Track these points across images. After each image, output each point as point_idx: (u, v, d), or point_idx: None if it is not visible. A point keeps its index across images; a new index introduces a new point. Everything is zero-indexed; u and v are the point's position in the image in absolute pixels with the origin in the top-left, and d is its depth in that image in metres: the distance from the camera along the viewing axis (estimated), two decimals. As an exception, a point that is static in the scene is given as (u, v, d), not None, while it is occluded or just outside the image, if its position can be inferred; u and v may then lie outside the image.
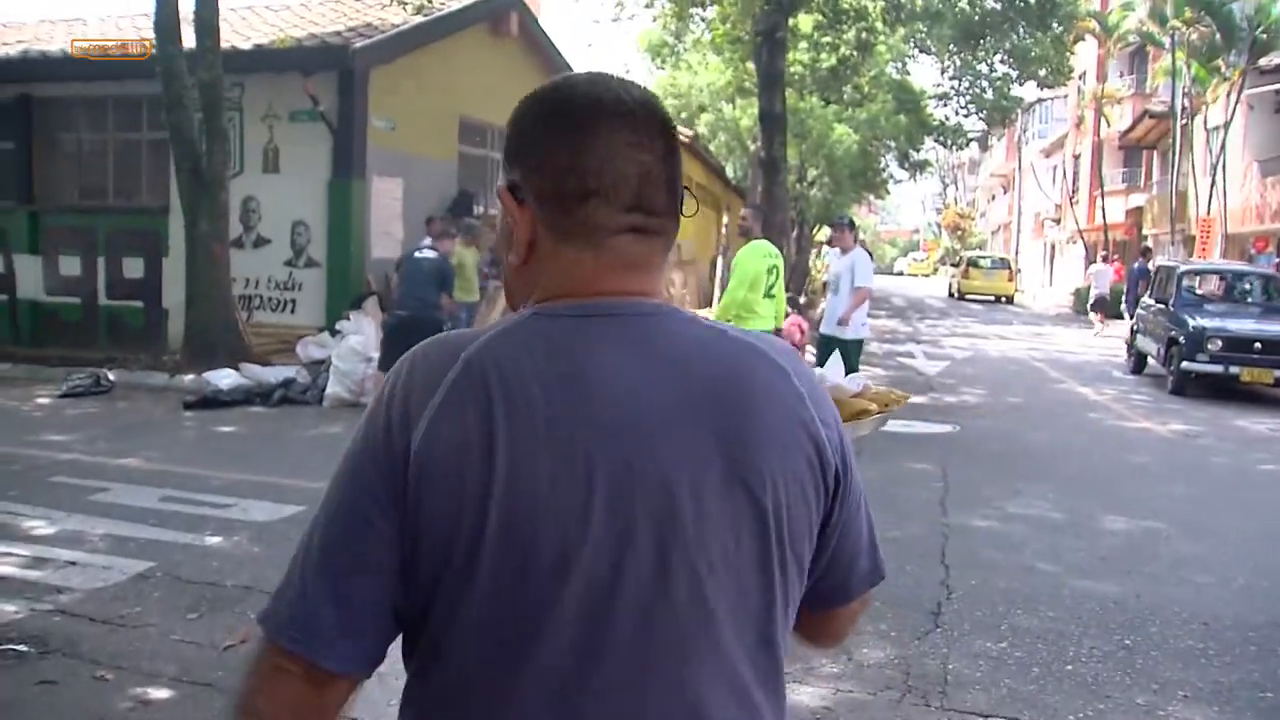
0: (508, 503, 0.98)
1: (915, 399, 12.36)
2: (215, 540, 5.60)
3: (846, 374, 3.52)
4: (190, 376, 11.01)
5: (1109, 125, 33.78)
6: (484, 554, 0.98)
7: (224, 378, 10.53)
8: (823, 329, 9.73)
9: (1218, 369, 12.56)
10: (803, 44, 18.60)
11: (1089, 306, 25.28)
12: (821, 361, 6.64)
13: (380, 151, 13.59)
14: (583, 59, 45.07)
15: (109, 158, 14.97)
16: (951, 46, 24.94)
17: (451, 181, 15.70)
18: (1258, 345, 12.49)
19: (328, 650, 1.01)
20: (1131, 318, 16.75)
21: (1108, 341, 21.85)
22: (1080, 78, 35.98)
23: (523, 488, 0.98)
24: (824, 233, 46.32)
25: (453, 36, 15.21)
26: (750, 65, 17.41)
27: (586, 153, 1.06)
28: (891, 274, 73.01)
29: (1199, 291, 14.06)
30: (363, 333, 11.04)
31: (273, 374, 10.62)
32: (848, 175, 26.91)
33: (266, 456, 7.95)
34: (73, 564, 5.13)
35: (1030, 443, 9.55)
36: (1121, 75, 35.17)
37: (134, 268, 14.09)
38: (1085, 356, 18.47)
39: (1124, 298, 20.28)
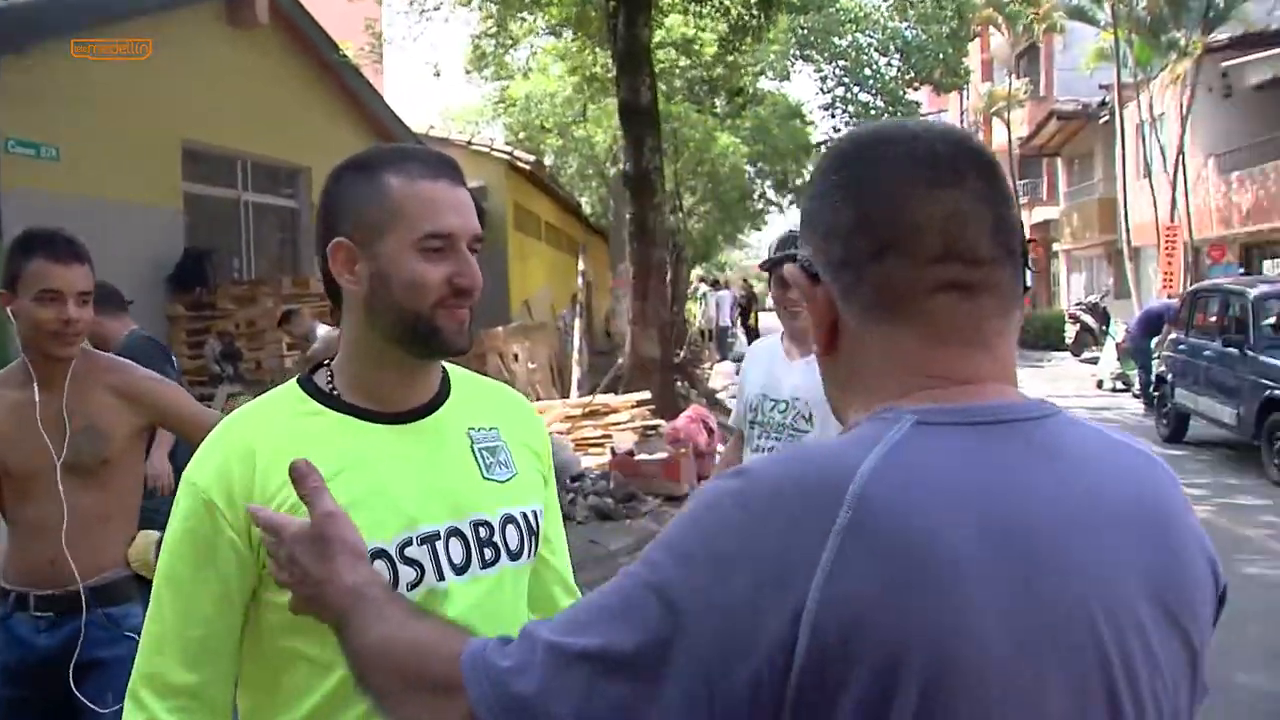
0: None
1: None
2: None
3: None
4: None
5: (1009, 132, 30.15)
6: None
7: None
8: None
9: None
10: (673, 17, 13.95)
11: None
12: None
13: (30, 194, 8.45)
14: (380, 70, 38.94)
15: None
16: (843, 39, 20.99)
17: (177, 238, 10.59)
18: None
19: None
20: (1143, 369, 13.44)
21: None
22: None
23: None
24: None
25: (160, 21, 10.15)
26: (602, 52, 12.76)
27: (872, 198, 0.89)
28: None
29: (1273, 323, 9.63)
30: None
31: None
32: (736, 199, 22.24)
33: None
34: None
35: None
36: (1010, 75, 31.71)
37: None
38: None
39: (1128, 342, 15.24)
